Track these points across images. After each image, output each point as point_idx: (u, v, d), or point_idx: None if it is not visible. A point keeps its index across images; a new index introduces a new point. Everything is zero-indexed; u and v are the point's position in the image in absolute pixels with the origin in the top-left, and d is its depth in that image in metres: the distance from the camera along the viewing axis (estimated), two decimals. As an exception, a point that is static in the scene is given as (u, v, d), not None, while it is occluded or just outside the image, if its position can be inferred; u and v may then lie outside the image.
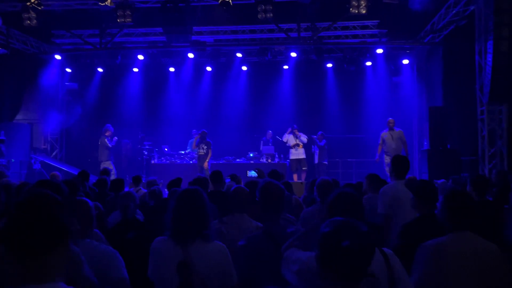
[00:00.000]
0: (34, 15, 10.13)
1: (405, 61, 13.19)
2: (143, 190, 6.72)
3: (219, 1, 9.63)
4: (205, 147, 11.59)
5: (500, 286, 2.41)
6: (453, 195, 2.64)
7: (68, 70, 14.26)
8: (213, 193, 5.23)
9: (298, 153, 12.16)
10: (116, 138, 12.46)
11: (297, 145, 12.13)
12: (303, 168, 12.07)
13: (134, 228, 3.45)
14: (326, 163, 12.77)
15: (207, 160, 11.59)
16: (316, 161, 12.67)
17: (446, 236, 2.53)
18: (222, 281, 2.56)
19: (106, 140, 12.14)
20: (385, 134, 11.13)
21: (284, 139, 12.30)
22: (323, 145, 12.59)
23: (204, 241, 2.56)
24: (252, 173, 5.87)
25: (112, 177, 9.86)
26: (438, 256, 2.43)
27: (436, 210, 3.33)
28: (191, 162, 12.65)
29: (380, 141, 11.24)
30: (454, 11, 10.60)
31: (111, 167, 11.77)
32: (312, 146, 12.79)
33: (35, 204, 1.45)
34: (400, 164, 4.51)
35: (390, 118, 11.24)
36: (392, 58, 13.21)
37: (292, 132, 12.22)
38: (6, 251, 1.38)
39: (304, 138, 12.20)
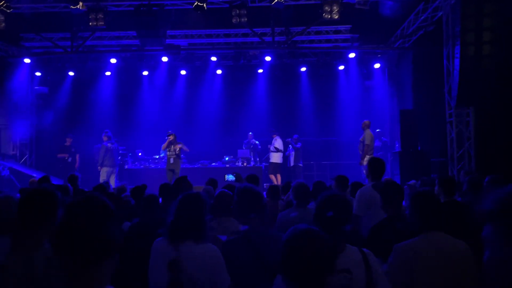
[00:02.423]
0: (2, 17, 9.87)
1: (377, 65, 13.47)
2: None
3: (193, 5, 9.63)
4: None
5: (470, 282, 2.53)
6: (421, 196, 2.73)
7: (38, 73, 13.92)
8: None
9: (270, 157, 12.45)
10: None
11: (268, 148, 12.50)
12: (269, 173, 12.31)
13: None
14: (301, 165, 12.93)
15: (181, 146, 11.09)
16: (292, 163, 12.81)
17: (418, 236, 2.62)
18: (213, 282, 2.59)
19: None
20: None
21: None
22: (299, 147, 12.74)
23: (195, 242, 2.61)
24: (230, 177, 5.87)
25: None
26: (412, 257, 2.52)
27: (403, 211, 3.43)
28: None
29: None
30: (422, 17, 10.93)
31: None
32: (288, 148, 12.96)
33: (90, 212, 1.41)
34: (376, 166, 4.57)
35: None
36: (364, 62, 13.46)
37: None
38: (56, 256, 1.37)
39: (273, 141, 12.35)
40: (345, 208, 2.37)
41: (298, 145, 12.76)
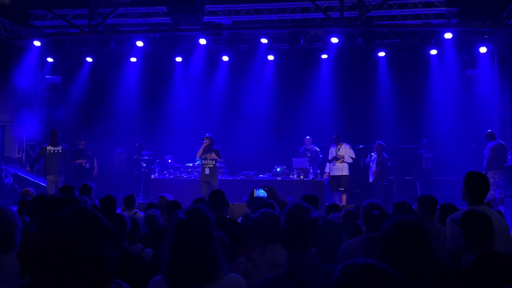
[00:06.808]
0: (7, -9, 10.32)
1: (483, 49, 12.91)
2: (140, 214, 6.70)
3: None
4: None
5: None
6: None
7: (50, 59, 14.51)
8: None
9: (335, 169, 12.23)
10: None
11: (336, 158, 12.19)
12: (339, 189, 12.12)
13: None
14: (386, 184, 12.65)
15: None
16: (371, 179, 12.59)
17: None
18: None
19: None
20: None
21: (330, 156, 12.49)
22: (385, 160, 12.45)
23: (210, 285, 2.47)
24: (261, 192, 5.69)
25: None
26: None
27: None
28: (200, 177, 12.59)
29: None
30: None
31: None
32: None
33: (82, 227, 1.45)
34: (474, 183, 4.26)
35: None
36: (465, 44, 12.98)
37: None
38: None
39: (346, 149, 12.17)
40: (421, 239, 2.24)
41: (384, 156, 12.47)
